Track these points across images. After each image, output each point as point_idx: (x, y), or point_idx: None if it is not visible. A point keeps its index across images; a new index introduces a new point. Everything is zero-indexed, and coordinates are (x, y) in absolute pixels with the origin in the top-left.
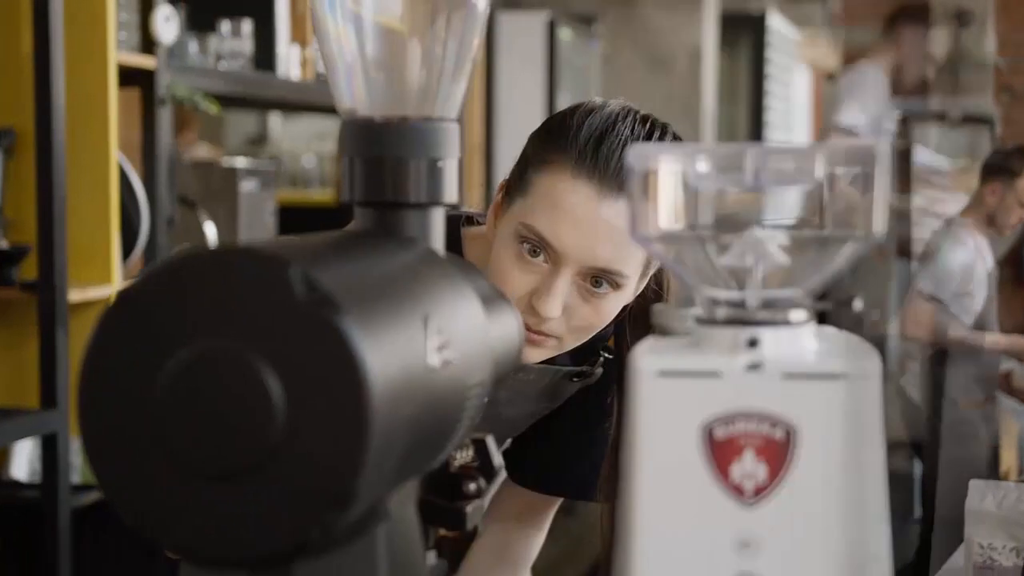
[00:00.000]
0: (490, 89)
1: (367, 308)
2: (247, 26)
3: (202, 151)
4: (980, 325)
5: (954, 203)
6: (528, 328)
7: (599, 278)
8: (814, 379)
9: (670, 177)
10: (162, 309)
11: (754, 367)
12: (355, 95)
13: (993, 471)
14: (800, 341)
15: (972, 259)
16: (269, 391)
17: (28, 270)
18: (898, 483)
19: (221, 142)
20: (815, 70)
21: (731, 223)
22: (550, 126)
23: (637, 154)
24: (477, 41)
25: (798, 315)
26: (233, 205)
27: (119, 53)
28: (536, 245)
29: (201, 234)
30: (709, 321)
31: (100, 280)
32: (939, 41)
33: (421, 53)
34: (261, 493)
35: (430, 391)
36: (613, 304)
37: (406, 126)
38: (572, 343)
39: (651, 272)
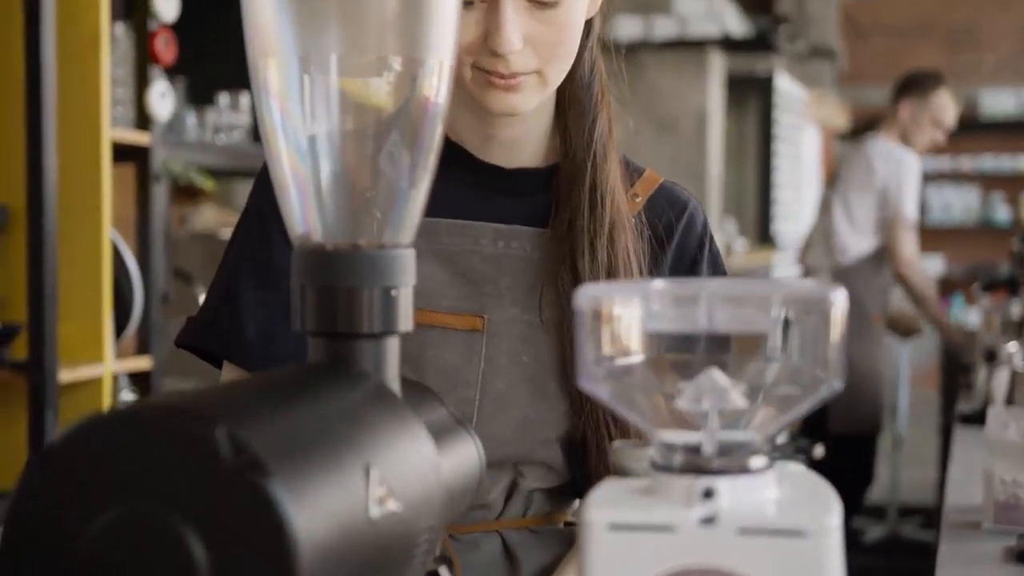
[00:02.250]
0: None
1: (300, 466)
2: (246, 99)
3: (208, 215)
4: None
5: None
6: (500, 75)
7: (542, 1)
8: (772, 535)
9: (621, 318)
10: (85, 469)
11: (708, 521)
12: (307, 221)
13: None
14: (759, 491)
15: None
16: (193, 558)
17: (19, 349)
18: None
19: (230, 203)
20: (824, 128)
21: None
22: None
23: (587, 294)
24: (433, 157)
25: (757, 462)
26: None
27: (114, 130)
28: None
29: (197, 307)
30: (664, 468)
31: (92, 359)
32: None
33: (374, 178)
34: None
35: (372, 545)
36: (571, 13)
37: (359, 254)
38: (556, 74)
39: None
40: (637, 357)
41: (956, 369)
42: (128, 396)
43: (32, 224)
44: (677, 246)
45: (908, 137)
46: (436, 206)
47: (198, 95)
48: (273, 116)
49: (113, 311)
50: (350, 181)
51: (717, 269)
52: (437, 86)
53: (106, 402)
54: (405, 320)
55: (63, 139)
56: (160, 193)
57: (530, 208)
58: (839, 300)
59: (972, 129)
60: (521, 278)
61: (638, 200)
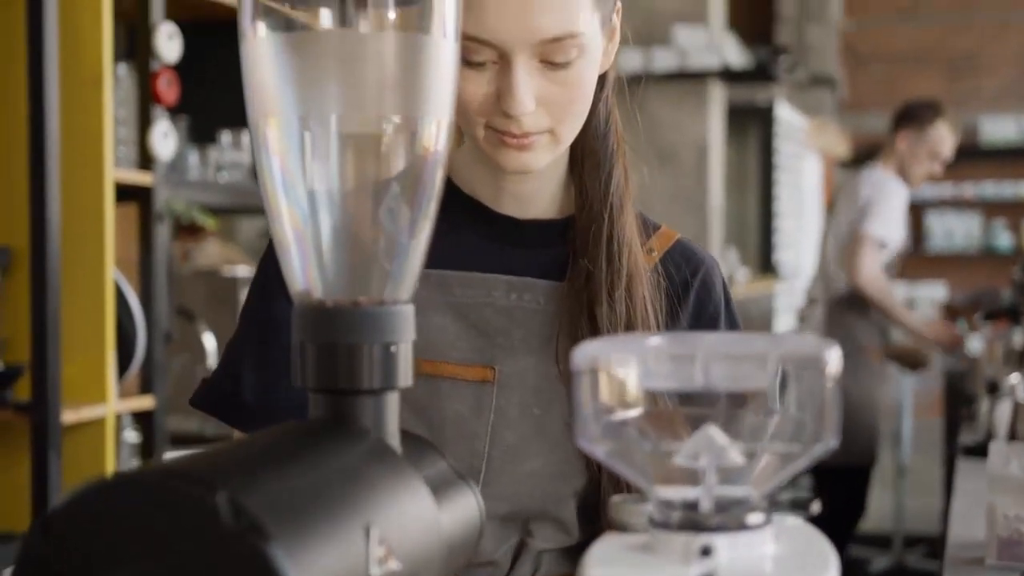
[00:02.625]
0: None
1: (300, 529)
2: (247, 137)
3: (213, 249)
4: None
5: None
6: (513, 135)
7: (553, 61)
8: None
9: (618, 376)
10: (87, 534)
11: None
12: (308, 278)
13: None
14: (757, 547)
15: (903, 208)
16: None
17: (22, 390)
18: None
19: (233, 239)
20: (825, 156)
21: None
22: None
23: (584, 353)
24: (432, 211)
25: (755, 518)
26: (235, 314)
27: (117, 170)
28: (474, 52)
29: (200, 346)
30: (662, 524)
31: (95, 399)
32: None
33: (374, 235)
34: None
35: None
36: (584, 71)
37: (359, 311)
38: (569, 132)
39: (616, 22)
40: (634, 414)
41: (959, 399)
42: (131, 435)
43: (35, 265)
44: (694, 305)
45: (905, 168)
46: (450, 258)
47: (200, 133)
48: (273, 174)
49: (116, 351)
50: (350, 238)
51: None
52: (436, 142)
53: (109, 442)
54: (405, 375)
55: (66, 180)
56: (163, 232)
57: (545, 260)
58: (833, 358)
59: (973, 156)
60: (535, 330)
61: (653, 254)
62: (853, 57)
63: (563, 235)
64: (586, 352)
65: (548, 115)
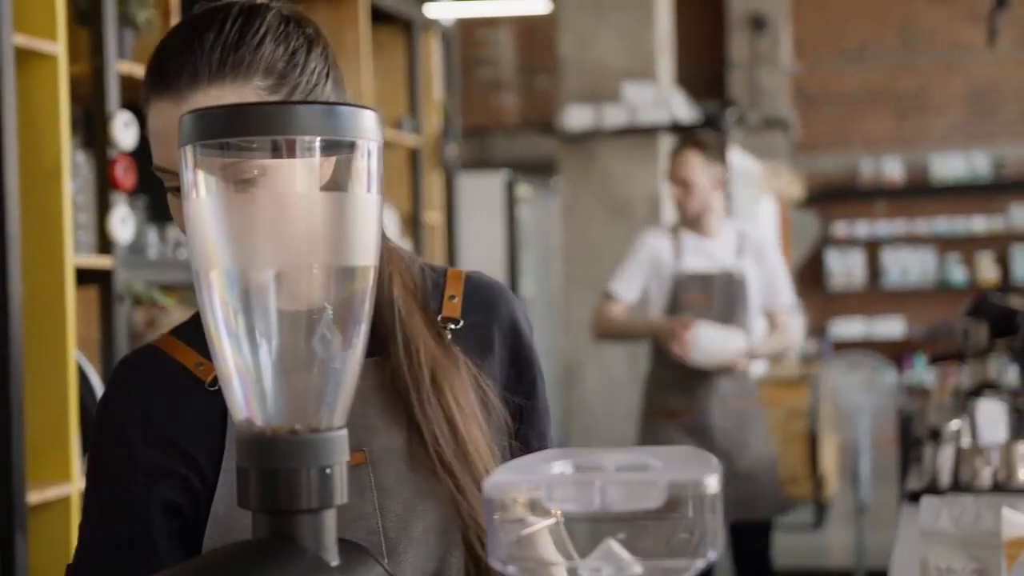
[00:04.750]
0: (452, 249)
1: None
2: None
3: (178, 316)
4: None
5: None
6: None
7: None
8: None
9: (525, 502)
10: None
11: None
12: (249, 408)
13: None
14: None
15: (648, 258)
16: None
17: None
18: None
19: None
20: (781, 198)
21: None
22: None
23: (494, 484)
24: (361, 344)
25: None
26: None
27: (77, 255)
28: (168, 180)
29: None
30: None
31: (60, 479)
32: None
33: (308, 370)
34: None
35: None
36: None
37: (296, 438)
38: None
39: None
40: (541, 533)
41: (910, 438)
42: None
43: None
44: (510, 349)
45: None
46: None
47: (158, 212)
48: (216, 317)
49: (79, 430)
50: (286, 373)
51: (532, 351)
52: (365, 281)
53: (74, 521)
54: (341, 493)
55: (27, 266)
56: (123, 313)
57: None
58: (712, 482)
59: (925, 193)
60: (383, 405)
61: (455, 300)
62: (805, 99)
63: None
64: (495, 482)
65: None
